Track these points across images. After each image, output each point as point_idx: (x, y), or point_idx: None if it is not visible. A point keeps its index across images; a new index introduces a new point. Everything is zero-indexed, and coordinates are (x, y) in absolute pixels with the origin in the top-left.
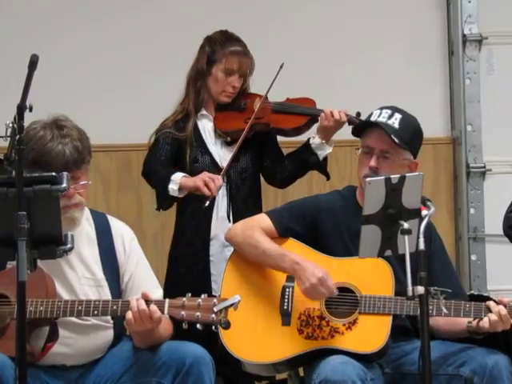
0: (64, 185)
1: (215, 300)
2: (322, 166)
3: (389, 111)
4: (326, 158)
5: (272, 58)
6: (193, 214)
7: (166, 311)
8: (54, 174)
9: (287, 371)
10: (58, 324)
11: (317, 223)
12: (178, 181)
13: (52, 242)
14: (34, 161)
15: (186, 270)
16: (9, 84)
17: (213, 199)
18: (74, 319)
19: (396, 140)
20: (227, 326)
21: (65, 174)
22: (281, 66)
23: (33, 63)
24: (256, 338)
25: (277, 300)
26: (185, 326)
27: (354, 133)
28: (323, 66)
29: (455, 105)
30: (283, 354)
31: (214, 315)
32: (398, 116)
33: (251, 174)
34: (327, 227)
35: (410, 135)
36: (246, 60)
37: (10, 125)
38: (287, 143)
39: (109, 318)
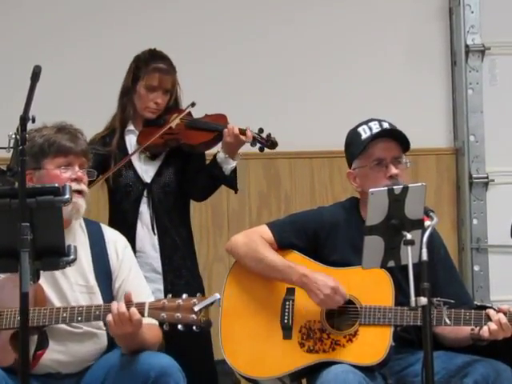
0: (67, 196)
1: (195, 300)
2: (228, 180)
3: (376, 122)
4: (235, 171)
5: (271, 63)
6: (119, 227)
7: (146, 313)
8: (56, 185)
9: (290, 383)
10: (52, 333)
11: (318, 237)
12: None
13: (55, 253)
14: (42, 147)
15: None
16: (12, 95)
17: (136, 212)
18: (66, 327)
19: (408, 141)
20: (208, 325)
21: (67, 185)
22: (192, 105)
23: (35, 74)
24: (258, 353)
25: (277, 313)
26: (166, 327)
27: (357, 152)
28: (325, 76)
29: (458, 115)
30: (285, 369)
31: (194, 315)
32: (385, 123)
33: (175, 187)
34: (329, 241)
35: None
36: (167, 77)
37: (13, 136)
38: None
39: (101, 324)
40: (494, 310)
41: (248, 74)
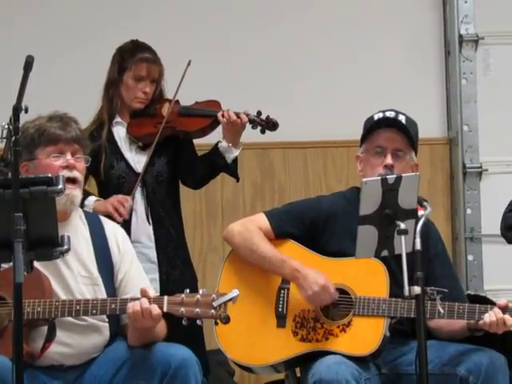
0: (60, 186)
1: (214, 295)
2: (230, 169)
3: (392, 112)
4: (236, 160)
5: (267, 54)
6: (112, 218)
7: (165, 308)
8: (50, 175)
9: (284, 372)
10: (56, 325)
11: (316, 226)
12: (91, 205)
13: (48, 244)
14: (33, 138)
15: None
16: (4, 85)
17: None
18: (71, 320)
19: (411, 140)
20: (227, 320)
21: (61, 175)
22: (188, 64)
23: (28, 64)
24: (251, 340)
25: (272, 302)
26: (185, 322)
27: (363, 136)
28: (318, 68)
29: (452, 105)
30: (278, 357)
31: (213, 310)
32: (402, 117)
33: (167, 177)
34: (326, 231)
35: (415, 135)
36: (154, 66)
37: (6, 126)
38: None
39: (104, 317)
40: (493, 304)
41: (243, 64)
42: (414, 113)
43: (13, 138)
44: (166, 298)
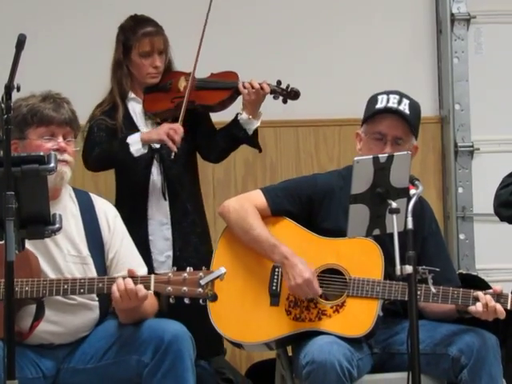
0: (52, 164)
1: (201, 273)
2: (251, 140)
3: (397, 96)
4: (256, 131)
5: (260, 29)
6: (129, 194)
7: (152, 287)
8: (42, 153)
9: (276, 349)
10: (46, 304)
11: (312, 203)
12: (137, 139)
13: (40, 222)
14: (25, 117)
15: None
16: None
17: (147, 179)
18: (60, 299)
19: (412, 128)
20: (214, 298)
21: (53, 153)
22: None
23: (20, 43)
24: (244, 318)
25: (266, 280)
26: (172, 300)
27: (365, 118)
28: (311, 47)
29: (443, 84)
30: (270, 335)
31: (200, 289)
32: (406, 101)
33: (185, 152)
34: (323, 208)
35: (417, 120)
36: (157, 38)
37: None
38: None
39: (94, 296)
40: (485, 283)
41: (235, 40)
42: (405, 92)
43: (5, 117)
44: (152, 276)
